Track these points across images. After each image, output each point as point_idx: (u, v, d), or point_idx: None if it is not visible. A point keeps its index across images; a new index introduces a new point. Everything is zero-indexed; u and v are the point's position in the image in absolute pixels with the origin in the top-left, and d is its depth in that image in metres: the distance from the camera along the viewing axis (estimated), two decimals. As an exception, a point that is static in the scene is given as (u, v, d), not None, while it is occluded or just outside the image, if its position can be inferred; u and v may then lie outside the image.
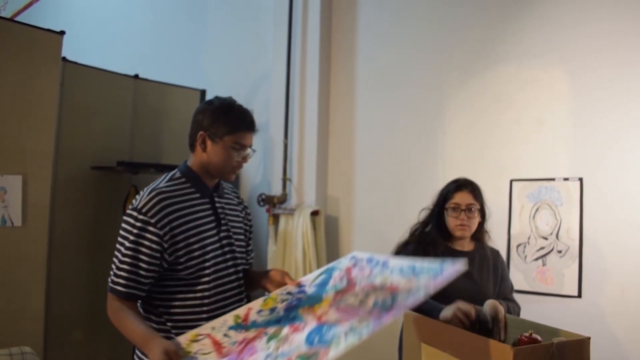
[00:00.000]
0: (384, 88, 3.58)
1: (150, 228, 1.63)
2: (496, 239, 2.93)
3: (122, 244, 1.65)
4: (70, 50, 3.19)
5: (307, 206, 3.64)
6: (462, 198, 2.19)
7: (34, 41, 2.81)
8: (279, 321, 1.53)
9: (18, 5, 7.01)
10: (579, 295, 2.69)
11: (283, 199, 3.76)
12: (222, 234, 1.79)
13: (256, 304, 1.64)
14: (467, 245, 2.24)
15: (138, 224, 1.63)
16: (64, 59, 3.14)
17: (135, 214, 1.65)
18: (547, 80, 2.87)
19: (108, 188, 3.45)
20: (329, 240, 3.68)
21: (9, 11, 7.06)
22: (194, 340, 1.50)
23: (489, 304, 1.84)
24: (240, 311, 1.62)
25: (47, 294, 2.91)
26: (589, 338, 1.58)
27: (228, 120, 1.74)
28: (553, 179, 2.81)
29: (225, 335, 1.50)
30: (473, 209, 2.18)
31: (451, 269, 1.45)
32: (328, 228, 3.69)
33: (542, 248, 2.82)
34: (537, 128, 2.89)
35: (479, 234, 2.28)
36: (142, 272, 1.63)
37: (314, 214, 3.60)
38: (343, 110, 3.77)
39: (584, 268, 2.69)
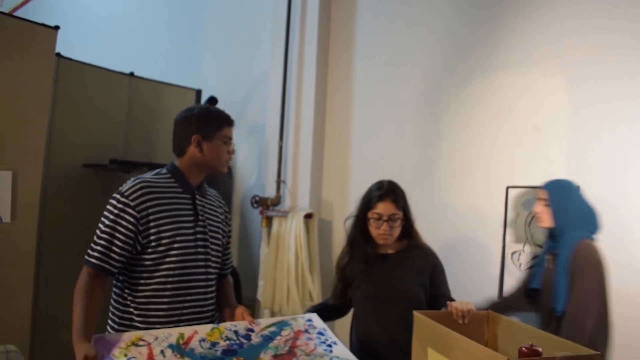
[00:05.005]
0: (381, 92, 3.56)
1: (129, 210, 1.81)
2: (491, 246, 2.95)
3: (102, 222, 1.83)
4: (66, 46, 3.16)
5: (300, 209, 3.61)
6: (385, 208, 2.15)
7: (27, 36, 2.77)
8: None
9: (15, 2, 6.98)
10: (573, 305, 2.66)
11: (277, 201, 3.73)
12: (197, 229, 1.93)
13: (203, 330, 1.75)
14: (392, 247, 2.22)
15: (119, 205, 1.82)
16: (58, 54, 3.10)
17: (118, 196, 1.84)
18: (545, 88, 2.86)
19: (100, 186, 3.39)
20: (322, 243, 3.65)
21: (6, 7, 7.03)
22: (135, 344, 1.62)
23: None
24: (187, 331, 1.73)
25: (35, 292, 2.87)
26: (599, 354, 1.43)
27: (213, 119, 1.96)
28: (549, 187, 2.79)
29: (162, 352, 1.61)
30: (396, 218, 2.14)
31: None
32: (321, 231, 3.67)
33: (537, 256, 2.80)
34: (534, 135, 2.87)
35: (408, 234, 2.23)
36: (115, 249, 1.79)
37: (308, 216, 3.58)
38: (339, 114, 3.75)
39: (578, 277, 2.66)
